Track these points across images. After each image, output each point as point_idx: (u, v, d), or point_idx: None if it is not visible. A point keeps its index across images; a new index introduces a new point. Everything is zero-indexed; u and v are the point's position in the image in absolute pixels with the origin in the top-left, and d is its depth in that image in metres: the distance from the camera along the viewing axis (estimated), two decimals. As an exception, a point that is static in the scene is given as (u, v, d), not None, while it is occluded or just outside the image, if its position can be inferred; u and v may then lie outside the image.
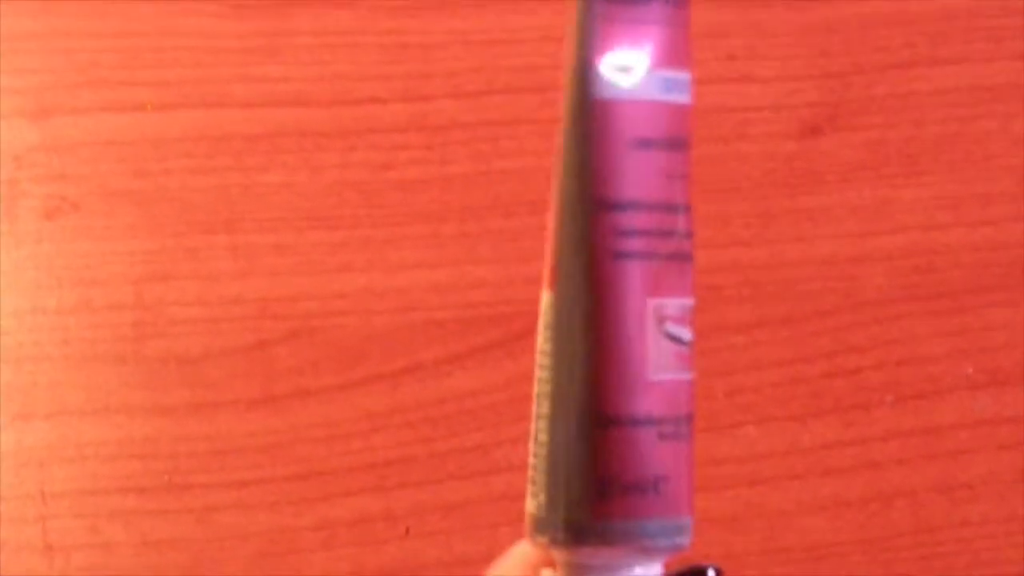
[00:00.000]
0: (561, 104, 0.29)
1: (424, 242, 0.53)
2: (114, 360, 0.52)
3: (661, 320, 0.29)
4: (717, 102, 0.55)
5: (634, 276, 0.28)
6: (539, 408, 0.29)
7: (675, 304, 0.29)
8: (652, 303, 0.28)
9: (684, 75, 0.29)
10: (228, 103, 0.54)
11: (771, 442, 0.53)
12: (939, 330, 0.54)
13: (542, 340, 0.29)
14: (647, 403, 0.28)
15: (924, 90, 0.57)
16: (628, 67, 0.29)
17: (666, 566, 0.29)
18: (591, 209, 0.29)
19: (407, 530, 0.50)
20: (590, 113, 0.29)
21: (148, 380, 0.51)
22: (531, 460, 0.29)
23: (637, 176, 0.28)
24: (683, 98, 0.29)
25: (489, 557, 0.50)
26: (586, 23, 0.29)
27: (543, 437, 0.29)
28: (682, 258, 0.29)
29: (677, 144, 0.29)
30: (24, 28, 0.55)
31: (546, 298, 0.29)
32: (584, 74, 0.29)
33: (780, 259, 0.54)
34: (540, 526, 0.29)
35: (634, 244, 0.28)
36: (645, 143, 0.29)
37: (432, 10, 0.55)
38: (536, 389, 0.29)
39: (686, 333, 0.29)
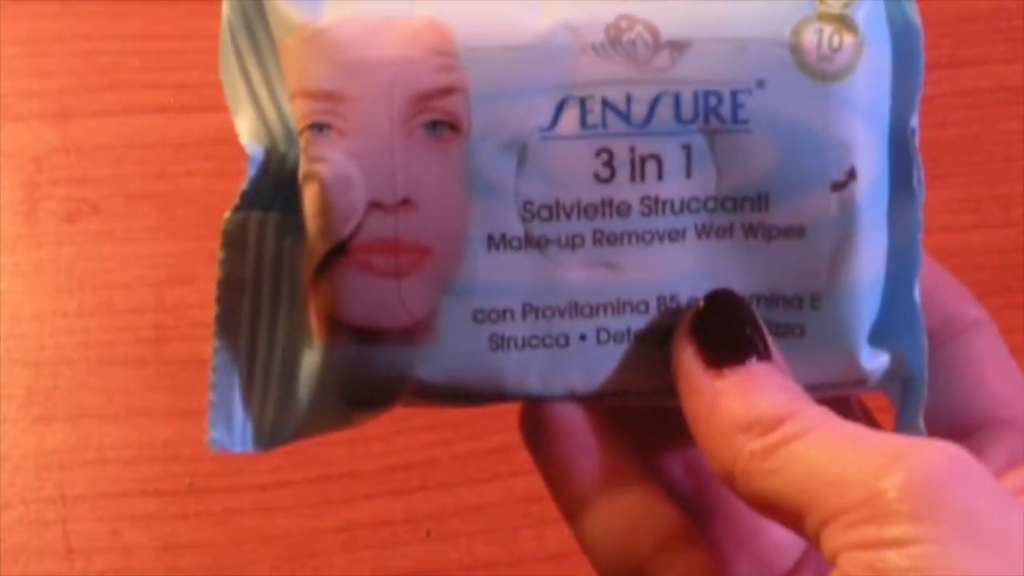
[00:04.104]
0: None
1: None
2: (135, 363, 0.52)
3: None
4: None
5: None
6: None
7: None
8: None
9: None
10: (249, 105, 0.54)
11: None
12: (961, 332, 0.54)
13: None
14: None
15: (946, 92, 0.57)
16: None
17: None
18: None
19: (428, 533, 0.50)
20: None
21: (169, 383, 0.51)
22: None
23: None
24: None
25: (509, 560, 0.50)
26: None
27: None
28: None
29: None
30: (45, 31, 0.55)
31: None
32: None
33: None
34: None
35: None
36: None
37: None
38: None
39: None
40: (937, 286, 0.31)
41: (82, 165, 0.54)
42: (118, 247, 0.53)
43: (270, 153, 0.29)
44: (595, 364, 0.29)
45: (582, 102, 0.28)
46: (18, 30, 0.56)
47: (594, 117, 0.28)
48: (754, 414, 0.26)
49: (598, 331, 0.29)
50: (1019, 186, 0.56)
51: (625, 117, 0.28)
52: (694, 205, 0.28)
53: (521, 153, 0.28)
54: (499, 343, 0.28)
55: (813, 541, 0.25)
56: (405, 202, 0.28)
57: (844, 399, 0.30)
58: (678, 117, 0.28)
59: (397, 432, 0.51)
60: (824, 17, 0.28)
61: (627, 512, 0.30)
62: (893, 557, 0.23)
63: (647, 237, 0.28)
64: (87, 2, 0.56)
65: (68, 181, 0.54)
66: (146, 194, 0.54)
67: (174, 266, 0.53)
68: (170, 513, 0.50)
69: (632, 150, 0.28)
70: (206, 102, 0.54)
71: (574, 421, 0.30)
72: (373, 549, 0.50)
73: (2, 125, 0.55)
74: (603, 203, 0.28)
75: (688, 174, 0.28)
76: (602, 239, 0.28)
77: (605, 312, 0.29)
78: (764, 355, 0.28)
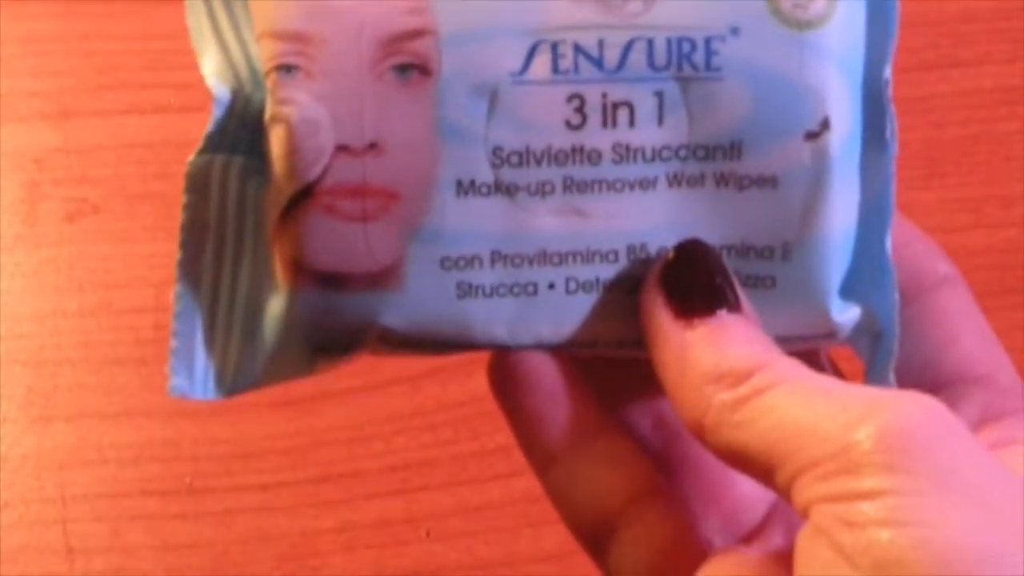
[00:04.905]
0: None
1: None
2: (135, 363, 0.52)
3: None
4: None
5: None
6: None
7: None
8: None
9: None
10: (249, 105, 0.54)
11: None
12: (961, 332, 0.54)
13: None
14: None
15: (945, 92, 0.56)
16: None
17: None
18: None
19: (428, 533, 0.50)
20: None
21: (169, 383, 0.51)
22: None
23: None
24: None
25: (509, 560, 0.50)
26: None
27: None
28: None
29: None
30: (45, 30, 0.55)
31: None
32: None
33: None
34: None
35: None
36: None
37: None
38: None
39: None
40: (908, 242, 0.30)
41: (82, 165, 0.54)
42: (118, 247, 0.53)
43: (236, 95, 0.29)
44: (563, 314, 0.29)
45: (554, 47, 0.27)
46: (18, 30, 0.56)
47: (566, 62, 0.27)
48: (724, 365, 0.26)
49: (567, 280, 0.28)
50: (1019, 186, 0.56)
51: (597, 63, 0.27)
52: (666, 153, 0.28)
53: (491, 98, 0.27)
54: (467, 291, 0.28)
55: (784, 494, 0.25)
56: (373, 146, 0.27)
57: (814, 354, 0.30)
58: (651, 63, 0.27)
59: (397, 432, 0.51)
60: None
61: (597, 464, 0.30)
62: (867, 509, 0.23)
63: (618, 185, 0.28)
64: (87, 2, 0.56)
65: (68, 181, 0.54)
66: (146, 194, 0.54)
67: (174, 266, 0.52)
68: (170, 513, 0.50)
69: (604, 96, 0.27)
70: (206, 102, 0.54)
71: (543, 372, 0.29)
72: (373, 549, 0.50)
73: (2, 125, 0.55)
74: (574, 150, 0.28)
75: (660, 122, 0.28)
76: (572, 186, 0.28)
77: (574, 261, 0.28)
78: (734, 306, 0.27)
